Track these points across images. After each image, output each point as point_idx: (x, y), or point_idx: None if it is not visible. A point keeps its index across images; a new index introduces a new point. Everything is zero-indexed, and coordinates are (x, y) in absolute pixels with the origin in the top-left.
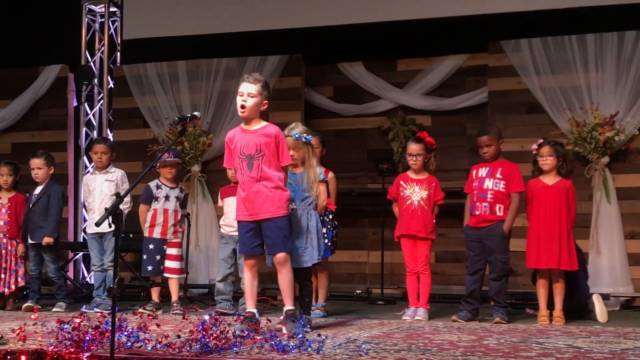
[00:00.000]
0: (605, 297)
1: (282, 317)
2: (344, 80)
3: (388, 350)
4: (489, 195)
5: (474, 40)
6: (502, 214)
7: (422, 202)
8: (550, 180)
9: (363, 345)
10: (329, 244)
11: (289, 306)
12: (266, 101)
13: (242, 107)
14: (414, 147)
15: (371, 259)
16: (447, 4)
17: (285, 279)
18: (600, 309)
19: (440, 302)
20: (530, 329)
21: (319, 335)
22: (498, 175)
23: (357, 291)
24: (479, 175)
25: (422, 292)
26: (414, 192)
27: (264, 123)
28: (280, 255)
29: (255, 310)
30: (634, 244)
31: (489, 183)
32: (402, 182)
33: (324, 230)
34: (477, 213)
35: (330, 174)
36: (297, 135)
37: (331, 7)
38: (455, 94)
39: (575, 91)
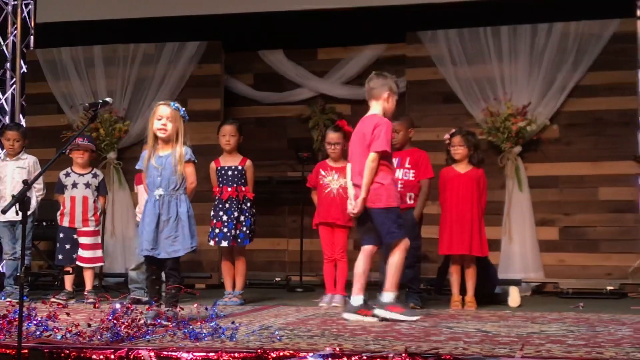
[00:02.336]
0: (517, 283)
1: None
2: (264, 68)
3: (301, 337)
4: (399, 185)
5: (393, 31)
6: (412, 202)
7: (340, 190)
8: (462, 168)
9: (277, 332)
10: (247, 231)
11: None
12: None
13: None
14: (332, 136)
15: (290, 246)
16: None
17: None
18: (512, 295)
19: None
20: (443, 314)
21: (233, 322)
22: (407, 165)
23: (276, 279)
24: None
25: (339, 279)
26: (333, 180)
27: None
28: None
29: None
30: (545, 231)
31: (398, 173)
32: (321, 170)
33: (242, 218)
34: None
35: (248, 162)
36: (175, 106)
37: None
38: None
39: (489, 82)
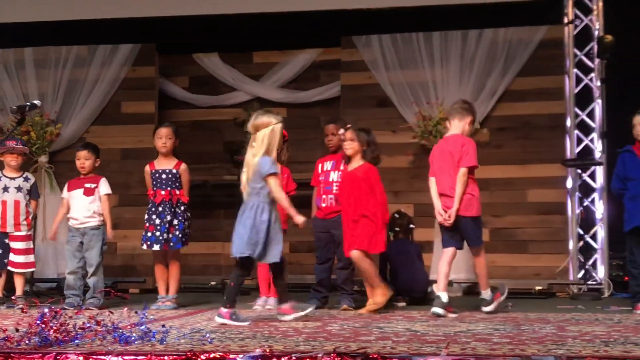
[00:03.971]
0: (448, 283)
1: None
2: (199, 71)
3: (233, 339)
4: (335, 187)
5: (328, 35)
6: None
7: None
8: (352, 165)
9: (208, 335)
10: (181, 235)
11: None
12: None
13: None
14: None
15: (226, 250)
16: None
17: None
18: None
19: (295, 291)
20: (375, 315)
21: (163, 325)
22: (342, 168)
23: (212, 283)
24: (325, 168)
25: (273, 282)
26: None
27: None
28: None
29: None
30: None
31: (334, 175)
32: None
33: (175, 222)
34: (324, 205)
35: (183, 166)
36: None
37: None
38: (310, 87)
39: (422, 86)
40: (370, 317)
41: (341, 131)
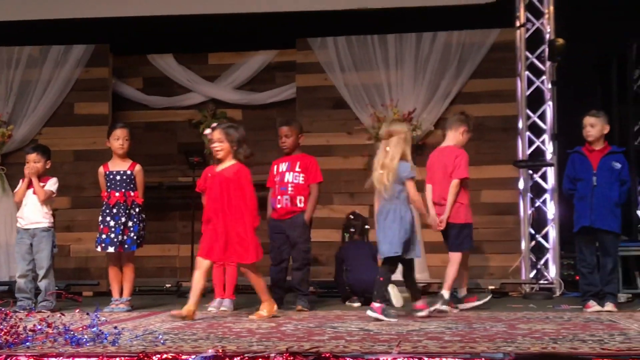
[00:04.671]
0: (403, 283)
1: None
2: (153, 72)
3: (186, 340)
4: (290, 188)
5: (283, 37)
6: (302, 205)
7: None
8: (222, 165)
9: (161, 336)
10: (135, 237)
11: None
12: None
13: None
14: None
15: (181, 252)
16: (258, 0)
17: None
18: (395, 295)
19: (251, 293)
20: (329, 315)
21: (115, 327)
22: (297, 169)
23: (167, 285)
24: (280, 169)
25: (228, 284)
26: None
27: None
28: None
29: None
30: (430, 233)
31: (289, 177)
32: (209, 174)
33: (130, 223)
34: (279, 206)
35: (138, 167)
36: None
37: None
38: (266, 89)
39: (377, 88)
40: (325, 317)
41: (207, 131)
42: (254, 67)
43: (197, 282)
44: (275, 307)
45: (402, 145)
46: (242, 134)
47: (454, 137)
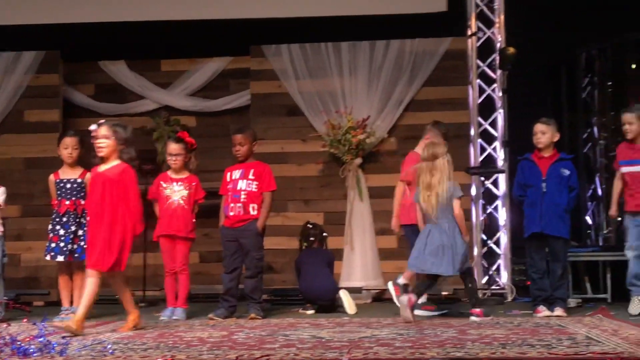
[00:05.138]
0: (357, 290)
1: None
2: (105, 79)
3: (135, 350)
4: (243, 196)
5: (237, 44)
6: (255, 213)
7: (181, 202)
8: (105, 165)
9: (110, 346)
10: (85, 246)
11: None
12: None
13: None
14: (173, 147)
15: (134, 261)
16: (211, 7)
17: None
18: (348, 302)
19: (205, 301)
20: (282, 323)
21: (63, 337)
22: (251, 176)
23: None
24: (233, 177)
25: (180, 292)
26: (174, 191)
27: None
28: None
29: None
30: (384, 240)
31: (242, 184)
32: (162, 182)
33: (80, 232)
34: (232, 214)
35: (89, 175)
36: None
37: (92, 3)
38: (220, 96)
39: (331, 96)
40: (278, 325)
41: (93, 127)
42: (208, 73)
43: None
44: (138, 320)
45: (448, 167)
46: (131, 134)
47: (421, 143)
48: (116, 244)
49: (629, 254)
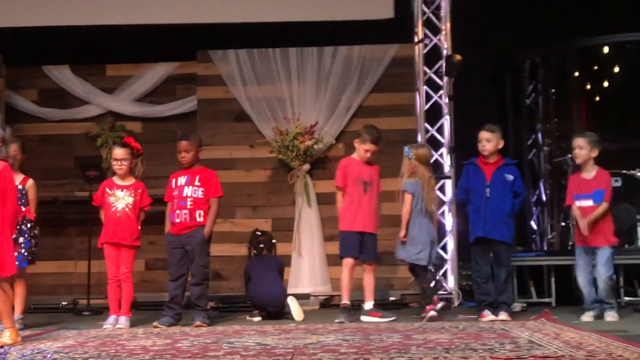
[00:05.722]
0: (305, 296)
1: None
2: (49, 84)
3: (76, 359)
4: (189, 203)
5: (184, 49)
6: (202, 219)
7: (127, 209)
8: None
9: (49, 355)
10: (26, 253)
11: (370, 301)
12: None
13: None
14: (119, 152)
15: (78, 268)
16: (156, 11)
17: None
18: (295, 309)
19: (151, 309)
20: (228, 331)
21: (2, 347)
22: (196, 183)
23: (63, 303)
24: (178, 183)
25: (123, 300)
26: (119, 198)
27: None
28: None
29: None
30: (332, 246)
31: (188, 191)
32: (107, 189)
33: (21, 239)
34: (178, 220)
35: (30, 181)
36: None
37: (35, 7)
38: (166, 101)
39: (279, 101)
40: (223, 333)
41: None
42: (154, 79)
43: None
44: (15, 336)
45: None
46: (9, 134)
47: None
48: (6, 246)
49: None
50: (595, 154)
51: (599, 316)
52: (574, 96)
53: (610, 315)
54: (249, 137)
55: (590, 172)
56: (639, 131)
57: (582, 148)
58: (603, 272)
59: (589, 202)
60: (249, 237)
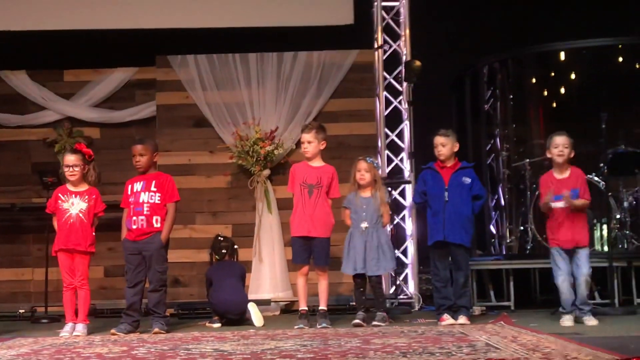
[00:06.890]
0: (266, 302)
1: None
2: (5, 89)
3: None
4: (146, 208)
5: (143, 54)
6: (159, 225)
7: (80, 215)
8: None
9: None
10: None
11: (323, 306)
12: (324, 142)
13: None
14: (69, 158)
15: (36, 276)
16: (115, 16)
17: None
18: (255, 315)
19: (109, 317)
20: (186, 337)
21: None
22: (153, 188)
23: (20, 310)
24: (135, 189)
25: (80, 308)
26: (73, 204)
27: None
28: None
29: (306, 308)
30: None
31: (144, 196)
32: (60, 195)
33: None
34: (135, 227)
35: None
36: (370, 160)
37: None
38: (125, 107)
39: (239, 107)
40: (181, 339)
41: None
42: (113, 84)
43: None
44: None
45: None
46: None
47: None
48: None
49: None
50: (572, 154)
51: (578, 320)
52: (531, 101)
53: (590, 320)
54: (208, 143)
55: (564, 172)
56: (595, 137)
57: (567, 147)
58: (585, 270)
59: (562, 204)
60: (211, 243)
